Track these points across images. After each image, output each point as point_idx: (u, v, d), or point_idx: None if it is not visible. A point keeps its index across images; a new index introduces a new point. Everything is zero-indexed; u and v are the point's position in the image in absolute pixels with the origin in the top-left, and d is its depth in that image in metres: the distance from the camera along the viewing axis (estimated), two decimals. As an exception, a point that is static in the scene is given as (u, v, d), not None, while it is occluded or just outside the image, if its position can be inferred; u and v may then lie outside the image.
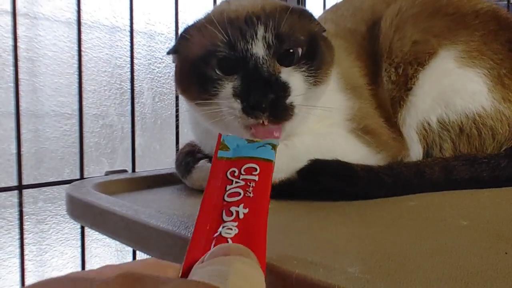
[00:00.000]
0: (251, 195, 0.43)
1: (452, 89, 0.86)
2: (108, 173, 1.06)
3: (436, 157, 0.86)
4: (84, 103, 1.15)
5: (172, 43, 1.36)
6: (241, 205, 0.42)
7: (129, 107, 1.22)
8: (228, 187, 0.44)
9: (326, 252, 0.50)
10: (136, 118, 1.23)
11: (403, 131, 0.89)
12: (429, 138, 0.87)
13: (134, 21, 1.22)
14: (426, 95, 0.87)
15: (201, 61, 0.74)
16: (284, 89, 0.70)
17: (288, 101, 0.69)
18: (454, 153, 0.87)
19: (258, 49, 0.70)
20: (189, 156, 0.85)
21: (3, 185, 1.08)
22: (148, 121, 1.37)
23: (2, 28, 1.09)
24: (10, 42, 1.03)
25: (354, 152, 0.78)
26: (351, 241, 0.55)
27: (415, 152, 0.88)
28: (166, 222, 0.61)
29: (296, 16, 0.75)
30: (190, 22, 0.82)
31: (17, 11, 1.02)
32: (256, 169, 0.46)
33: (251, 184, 0.44)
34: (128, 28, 1.22)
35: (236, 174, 0.46)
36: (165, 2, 1.38)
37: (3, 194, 1.08)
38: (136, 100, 1.23)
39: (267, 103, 0.67)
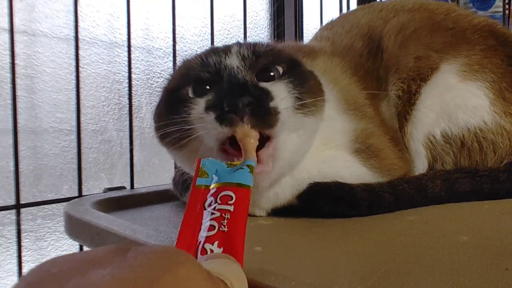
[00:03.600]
0: (226, 229, 0.42)
1: (454, 103, 0.86)
2: (106, 190, 1.05)
3: (437, 170, 0.86)
4: (82, 119, 1.15)
5: (170, 57, 1.36)
6: (216, 243, 0.41)
7: (127, 122, 1.22)
8: (205, 219, 0.43)
9: (325, 272, 0.50)
10: (134, 133, 1.23)
11: (411, 145, 0.88)
12: (435, 151, 0.87)
13: (132, 36, 1.22)
14: (429, 109, 0.87)
15: (175, 89, 0.71)
16: (264, 92, 0.63)
17: (272, 104, 0.62)
18: (455, 167, 0.86)
19: (232, 60, 0.66)
20: (185, 174, 0.85)
21: (1, 202, 1.07)
22: (147, 136, 1.37)
23: (0, 45, 1.10)
24: (8, 59, 1.03)
25: (359, 178, 0.76)
26: (350, 260, 0.54)
27: (420, 167, 0.88)
28: (164, 241, 0.61)
29: (276, 49, 0.73)
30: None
31: (14, 28, 1.03)
32: (231, 198, 0.44)
33: (226, 216, 0.43)
34: (126, 44, 1.22)
35: (212, 204, 0.44)
36: (162, 17, 1.39)
37: (1, 212, 1.07)
38: (134, 115, 1.23)
39: (244, 105, 0.59)
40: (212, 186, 0.47)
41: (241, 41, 0.74)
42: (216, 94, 0.64)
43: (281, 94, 0.65)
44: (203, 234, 0.42)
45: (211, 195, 0.46)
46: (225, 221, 0.43)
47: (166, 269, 0.31)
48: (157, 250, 0.34)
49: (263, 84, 0.66)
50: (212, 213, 0.43)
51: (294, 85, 0.67)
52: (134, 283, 0.29)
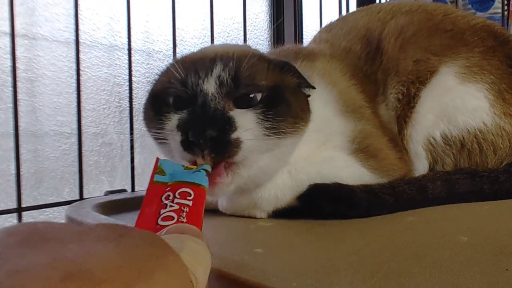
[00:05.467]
0: (185, 220, 0.44)
1: (454, 105, 0.86)
2: (107, 193, 1.06)
3: (437, 171, 0.86)
4: (83, 122, 1.15)
5: (170, 60, 1.36)
6: None
7: (128, 125, 1.22)
8: (163, 211, 0.45)
9: (326, 273, 0.50)
10: (135, 136, 1.24)
11: (410, 147, 0.89)
12: (435, 153, 0.87)
13: (132, 39, 1.23)
14: (429, 111, 0.88)
15: (158, 97, 0.74)
16: (228, 124, 0.65)
17: (233, 136, 0.65)
18: (455, 168, 0.87)
19: (209, 86, 0.68)
20: None
21: (2, 205, 1.07)
22: (148, 138, 1.36)
23: (1, 49, 1.10)
24: (9, 63, 1.03)
25: (358, 178, 0.77)
26: (351, 260, 0.55)
27: (420, 168, 0.88)
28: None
29: (264, 63, 0.73)
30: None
31: (15, 32, 1.03)
32: (190, 194, 0.46)
33: (185, 209, 0.45)
34: (126, 47, 1.22)
35: (170, 198, 0.46)
36: (162, 20, 1.40)
37: (3, 216, 1.07)
38: (135, 118, 1.23)
39: (206, 140, 0.63)
40: (169, 183, 0.48)
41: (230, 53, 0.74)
42: (187, 117, 0.68)
43: (247, 124, 0.67)
44: (161, 222, 0.44)
45: (169, 190, 0.47)
46: (184, 213, 0.44)
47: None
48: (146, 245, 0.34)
49: (237, 111, 0.68)
50: (171, 206, 0.45)
51: (268, 114, 0.69)
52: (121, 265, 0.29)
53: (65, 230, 0.34)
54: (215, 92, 0.68)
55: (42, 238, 0.31)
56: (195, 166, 0.53)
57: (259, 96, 0.70)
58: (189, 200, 0.46)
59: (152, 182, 0.48)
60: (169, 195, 0.46)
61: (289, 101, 0.72)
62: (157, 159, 0.51)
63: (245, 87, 0.69)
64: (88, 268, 0.28)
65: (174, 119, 0.69)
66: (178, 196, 0.46)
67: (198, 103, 0.68)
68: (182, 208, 0.45)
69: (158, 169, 0.50)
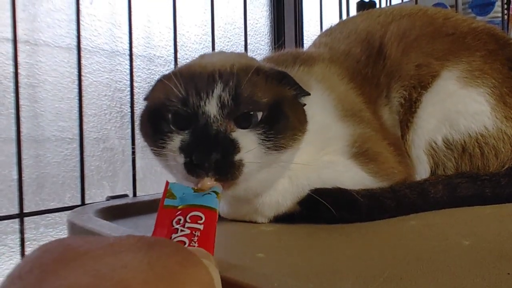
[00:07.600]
0: (196, 244, 0.44)
1: (455, 109, 0.86)
2: (109, 198, 1.06)
3: (439, 175, 0.86)
4: (84, 127, 1.15)
5: (171, 65, 1.37)
6: None
7: (129, 130, 1.22)
8: (174, 235, 0.45)
9: (328, 277, 0.50)
10: (136, 141, 1.24)
11: (412, 152, 0.89)
12: (436, 157, 0.87)
13: (134, 45, 1.23)
14: (430, 116, 0.88)
15: (156, 113, 0.72)
16: (232, 146, 0.65)
17: (237, 157, 0.65)
18: (456, 172, 0.86)
19: (211, 107, 0.67)
20: None
21: (4, 211, 1.07)
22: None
23: (3, 55, 1.11)
24: (11, 68, 1.04)
25: (359, 182, 0.77)
26: (352, 264, 0.54)
27: (422, 172, 0.88)
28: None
29: (262, 78, 0.71)
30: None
31: (17, 38, 1.03)
32: (201, 218, 0.46)
33: (196, 234, 0.45)
34: (128, 52, 1.23)
35: (181, 222, 0.46)
36: (163, 25, 1.40)
37: (5, 221, 1.08)
38: (136, 123, 1.23)
39: (211, 163, 0.62)
40: (180, 206, 0.48)
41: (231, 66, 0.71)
42: (190, 139, 0.66)
43: (250, 145, 0.66)
44: None
45: (180, 214, 0.47)
46: (195, 238, 0.44)
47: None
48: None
49: (239, 132, 0.67)
50: (182, 230, 0.45)
51: (269, 133, 0.68)
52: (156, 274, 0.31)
53: (97, 243, 0.35)
54: (217, 114, 0.67)
55: (76, 254, 0.33)
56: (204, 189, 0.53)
57: (259, 115, 0.69)
58: (200, 224, 0.46)
59: (162, 207, 0.48)
60: (179, 219, 0.46)
61: (288, 116, 0.71)
62: (167, 182, 0.51)
63: (246, 106, 0.68)
64: (126, 283, 0.29)
65: (176, 140, 0.68)
66: (189, 220, 0.46)
67: (200, 124, 0.67)
68: (193, 232, 0.45)
69: (168, 192, 0.50)
